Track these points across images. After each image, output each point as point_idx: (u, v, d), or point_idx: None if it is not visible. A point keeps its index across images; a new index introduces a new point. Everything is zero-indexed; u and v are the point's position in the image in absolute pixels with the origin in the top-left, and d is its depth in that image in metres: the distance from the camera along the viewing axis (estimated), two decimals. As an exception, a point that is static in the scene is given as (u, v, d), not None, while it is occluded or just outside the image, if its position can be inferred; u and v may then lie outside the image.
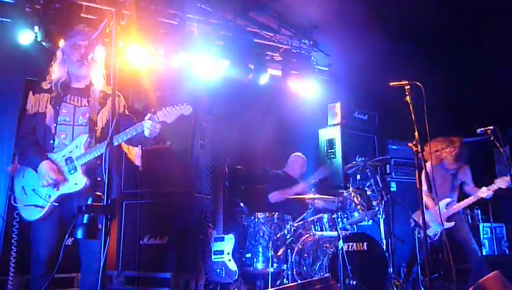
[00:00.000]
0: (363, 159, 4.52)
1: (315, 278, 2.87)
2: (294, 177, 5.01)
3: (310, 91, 5.67)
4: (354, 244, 3.72)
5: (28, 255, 2.53)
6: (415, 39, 5.04)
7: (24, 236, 2.65)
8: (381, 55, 4.93)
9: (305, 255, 3.86)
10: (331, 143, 5.65)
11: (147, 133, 2.53)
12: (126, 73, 4.40)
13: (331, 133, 5.69)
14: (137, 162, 3.58)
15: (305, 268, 3.83)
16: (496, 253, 5.39)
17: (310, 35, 5.58)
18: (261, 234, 4.10)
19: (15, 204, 2.54)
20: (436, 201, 4.17)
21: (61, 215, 2.52)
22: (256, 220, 4.17)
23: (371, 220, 4.69)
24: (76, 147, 2.53)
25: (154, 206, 4.30)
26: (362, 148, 5.71)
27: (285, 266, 3.85)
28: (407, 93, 3.00)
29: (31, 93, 2.63)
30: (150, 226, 4.28)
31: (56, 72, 2.67)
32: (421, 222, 4.22)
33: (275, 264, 3.88)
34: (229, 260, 4.08)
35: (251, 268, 4.05)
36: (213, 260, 4.14)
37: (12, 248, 2.82)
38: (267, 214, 4.18)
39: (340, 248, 3.46)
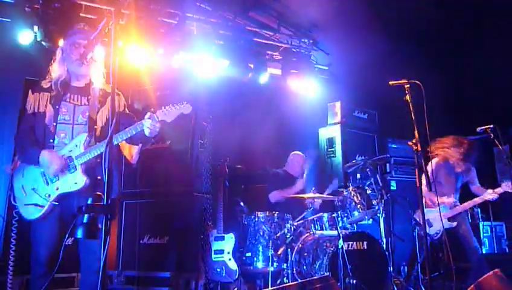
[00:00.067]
0: (363, 158, 4.53)
1: (315, 277, 2.87)
2: (295, 176, 5.01)
3: (309, 90, 5.67)
4: (354, 243, 3.73)
5: (28, 255, 2.53)
6: (415, 39, 5.04)
7: (24, 235, 2.65)
8: (381, 55, 4.93)
9: (305, 254, 3.86)
10: (331, 142, 5.65)
11: (146, 132, 2.54)
12: (126, 72, 4.40)
13: (331, 132, 5.69)
14: (133, 160, 3.57)
15: (305, 267, 3.83)
16: (496, 251, 5.39)
17: (310, 34, 5.58)
18: (261, 233, 4.10)
19: (14, 203, 2.54)
20: (435, 200, 4.16)
21: (61, 215, 2.52)
22: (256, 219, 4.17)
23: (371, 219, 4.69)
24: (76, 146, 2.53)
25: (154, 206, 4.30)
26: (362, 147, 5.71)
27: (285, 265, 3.85)
28: (406, 92, 3.00)
29: (30, 92, 2.63)
30: (150, 225, 4.28)
31: (56, 71, 2.67)
32: (427, 221, 4.25)
33: (275, 264, 3.88)
34: (229, 259, 4.08)
35: (251, 267, 4.06)
36: (213, 259, 4.14)
37: (12, 247, 2.82)
38: (267, 213, 4.18)
39: (340, 247, 3.46)
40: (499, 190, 4.18)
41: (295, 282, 3.41)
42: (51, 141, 2.54)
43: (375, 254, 3.79)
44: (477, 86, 5.27)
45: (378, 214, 4.11)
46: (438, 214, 4.18)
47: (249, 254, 4.09)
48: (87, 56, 2.54)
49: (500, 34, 4.80)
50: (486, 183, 4.50)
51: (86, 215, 1.80)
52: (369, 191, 4.18)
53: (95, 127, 2.60)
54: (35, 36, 4.04)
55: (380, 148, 5.89)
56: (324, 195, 4.24)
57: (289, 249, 3.87)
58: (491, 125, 4.01)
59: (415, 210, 4.51)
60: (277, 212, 4.20)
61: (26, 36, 4.02)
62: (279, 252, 3.91)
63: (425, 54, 5.10)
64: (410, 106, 2.97)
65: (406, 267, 5.06)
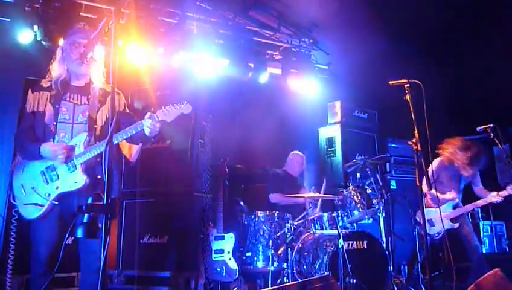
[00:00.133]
0: (363, 157, 4.52)
1: (315, 277, 2.87)
2: (294, 176, 5.01)
3: (309, 90, 5.67)
4: (354, 242, 3.73)
5: (28, 254, 2.53)
6: (415, 38, 5.03)
7: (23, 235, 2.65)
8: (381, 54, 4.93)
9: (305, 253, 3.86)
10: (331, 142, 5.65)
11: (146, 132, 2.54)
12: (126, 72, 4.40)
13: (331, 131, 5.69)
14: (132, 158, 3.57)
15: (305, 267, 3.83)
16: (496, 251, 5.39)
17: (310, 34, 5.58)
18: (261, 233, 4.10)
19: (14, 202, 2.54)
20: (436, 199, 4.16)
21: (61, 214, 2.52)
22: (256, 218, 4.17)
23: (371, 219, 4.69)
24: (76, 145, 2.53)
25: (154, 205, 4.30)
26: (362, 146, 5.71)
27: (285, 264, 3.85)
28: (406, 91, 3.00)
29: (30, 91, 2.63)
30: (150, 225, 4.28)
31: (56, 70, 2.67)
32: (429, 221, 4.25)
33: (275, 263, 3.88)
34: (229, 259, 4.08)
35: (251, 267, 4.06)
36: (213, 258, 4.14)
37: (11, 246, 2.82)
38: (267, 213, 4.18)
39: (340, 246, 3.46)
40: (504, 193, 4.17)
41: (295, 282, 3.41)
42: (51, 140, 2.54)
43: (375, 253, 3.79)
44: (477, 86, 5.27)
45: (378, 214, 4.11)
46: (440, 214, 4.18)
47: (249, 254, 4.09)
48: (87, 55, 2.54)
49: (500, 34, 4.80)
50: (486, 182, 4.50)
51: (86, 215, 1.80)
52: (369, 191, 4.18)
53: (95, 126, 2.61)
54: (35, 35, 4.04)
55: (380, 148, 5.89)
56: (323, 195, 4.23)
57: (289, 249, 3.87)
58: (491, 125, 4.01)
59: (415, 210, 4.51)
60: (277, 212, 4.20)
61: (26, 35, 4.02)
62: (279, 252, 3.91)
63: (425, 54, 5.10)
64: (410, 105, 2.97)
65: (406, 267, 5.06)
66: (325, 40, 5.66)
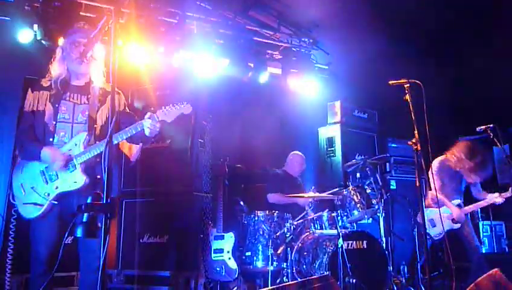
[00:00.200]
0: (362, 157, 4.52)
1: (315, 277, 2.87)
2: (294, 176, 5.01)
3: (309, 89, 5.66)
4: (354, 242, 3.73)
5: (27, 254, 2.53)
6: (415, 38, 5.03)
7: (22, 234, 2.65)
8: (381, 54, 4.92)
9: (305, 253, 3.86)
10: (330, 141, 5.65)
11: (147, 132, 2.54)
12: (126, 71, 4.40)
13: (331, 131, 5.69)
14: (133, 158, 3.57)
15: (304, 266, 3.83)
16: (496, 251, 5.40)
17: (310, 34, 5.57)
18: (261, 233, 4.10)
19: (13, 202, 2.54)
20: (437, 200, 4.16)
21: (61, 214, 2.52)
22: (256, 218, 4.17)
23: (370, 219, 4.69)
24: (76, 145, 2.53)
25: (154, 205, 4.30)
26: (362, 146, 5.71)
27: (285, 264, 3.85)
28: (406, 91, 3.01)
29: (30, 90, 2.63)
30: (150, 224, 4.28)
31: (56, 69, 2.67)
32: (430, 221, 4.24)
33: (274, 263, 3.88)
34: (229, 259, 4.08)
35: (251, 266, 4.06)
36: (213, 258, 4.14)
37: (10, 245, 2.82)
38: (267, 213, 4.18)
39: (339, 246, 3.46)
40: (506, 194, 4.17)
41: (295, 281, 3.41)
42: (51, 139, 2.54)
43: (374, 253, 3.79)
44: (477, 86, 5.27)
45: (377, 214, 4.12)
46: (442, 215, 4.17)
47: (248, 253, 4.09)
48: (87, 55, 2.54)
49: (500, 33, 4.80)
50: (486, 183, 4.50)
51: (85, 214, 1.79)
52: (368, 191, 4.18)
53: (95, 126, 2.60)
54: (35, 35, 4.03)
55: (379, 148, 5.89)
56: (323, 194, 4.23)
57: (289, 249, 3.87)
58: (491, 125, 4.01)
59: (415, 210, 4.50)
60: (277, 212, 4.20)
61: (26, 35, 4.01)
62: (278, 252, 3.91)
63: (425, 54, 5.10)
64: (410, 105, 2.97)
65: (405, 267, 5.06)
66: (325, 39, 5.66)
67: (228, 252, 4.10)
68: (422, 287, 4.14)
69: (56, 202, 2.49)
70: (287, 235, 3.93)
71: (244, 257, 4.12)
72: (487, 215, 5.46)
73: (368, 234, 3.87)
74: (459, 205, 4.24)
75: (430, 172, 4.19)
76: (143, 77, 4.63)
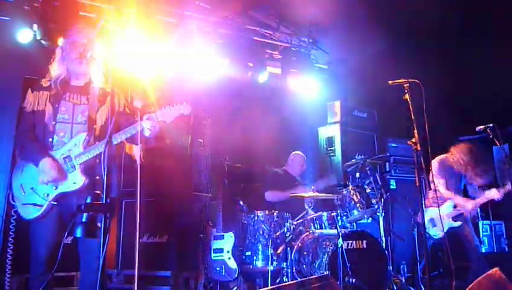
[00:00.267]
0: (362, 157, 4.53)
1: (314, 276, 2.87)
2: (294, 176, 5.01)
3: (309, 89, 5.66)
4: (354, 242, 3.73)
5: (27, 254, 2.53)
6: (415, 37, 5.03)
7: (22, 235, 2.65)
8: (381, 54, 4.93)
9: (305, 253, 3.87)
10: (330, 141, 5.65)
11: (146, 132, 2.54)
12: (125, 71, 4.40)
13: (331, 131, 5.69)
14: (137, 158, 3.58)
15: (304, 266, 3.83)
16: (495, 250, 5.40)
17: (310, 33, 5.57)
18: (261, 232, 4.09)
19: (13, 202, 2.54)
20: (439, 198, 4.17)
21: (60, 214, 2.52)
22: (255, 218, 4.17)
23: (370, 218, 4.69)
24: (75, 145, 2.52)
25: (153, 205, 4.29)
26: (362, 146, 5.72)
27: (284, 264, 3.85)
28: (406, 91, 3.01)
29: (30, 91, 2.63)
30: (150, 224, 4.28)
31: (55, 69, 2.67)
32: (430, 221, 4.25)
33: (274, 263, 3.88)
34: (229, 258, 4.08)
35: (251, 266, 4.05)
36: (213, 258, 4.14)
37: (10, 245, 2.82)
38: (267, 212, 4.17)
39: (339, 245, 3.46)
40: (504, 190, 4.17)
41: (294, 281, 3.41)
42: (50, 140, 2.54)
43: (374, 252, 3.79)
44: (476, 85, 5.27)
45: (377, 213, 4.12)
46: (442, 213, 4.18)
47: (248, 253, 4.09)
48: (86, 55, 2.54)
49: (500, 33, 4.80)
50: (488, 186, 4.50)
51: (85, 214, 1.80)
52: (368, 190, 4.18)
53: (94, 126, 2.60)
54: (35, 35, 4.03)
55: (379, 147, 5.89)
56: (322, 194, 4.23)
57: (289, 248, 3.87)
58: (491, 125, 4.01)
59: (415, 210, 4.51)
60: (276, 211, 4.19)
61: (25, 35, 4.01)
62: (278, 251, 3.91)
63: (425, 54, 5.10)
64: (410, 105, 2.97)
65: (405, 266, 5.06)
66: (325, 39, 5.66)
67: (228, 251, 4.10)
68: (422, 287, 4.15)
69: (55, 203, 2.48)
70: (287, 235, 3.93)
71: (244, 257, 4.11)
72: (487, 215, 5.46)
73: (367, 233, 3.87)
74: (455, 204, 4.26)
75: (430, 172, 4.20)
76: (142, 77, 4.62)
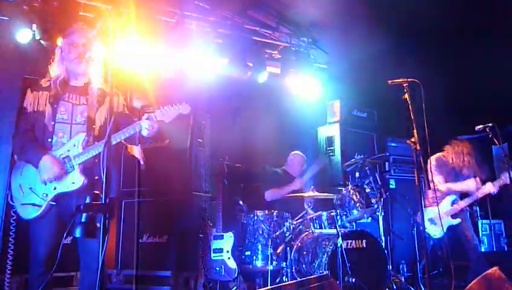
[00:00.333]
0: (362, 156, 4.53)
1: (314, 276, 2.87)
2: (294, 176, 5.01)
3: (308, 89, 5.66)
4: (353, 241, 3.73)
5: (27, 254, 2.53)
6: (414, 37, 5.03)
7: (22, 235, 2.65)
8: (381, 53, 4.92)
9: (304, 252, 3.87)
10: (330, 141, 5.65)
11: (145, 132, 2.53)
12: (124, 71, 4.40)
13: (330, 130, 5.69)
14: (140, 159, 3.59)
15: (304, 266, 3.84)
16: (495, 249, 5.41)
17: (309, 33, 5.57)
18: (260, 232, 4.10)
19: (12, 203, 2.54)
20: (436, 199, 4.18)
21: (59, 214, 2.52)
22: (255, 218, 4.17)
23: (370, 218, 4.70)
24: (74, 145, 2.52)
25: (153, 205, 4.30)
26: (361, 145, 5.72)
27: (284, 263, 3.85)
28: (405, 90, 3.01)
29: (29, 91, 2.62)
30: (149, 224, 4.28)
31: (55, 70, 2.67)
32: (430, 220, 4.26)
33: (274, 262, 3.88)
34: (229, 258, 4.08)
35: (250, 266, 4.06)
36: (212, 258, 4.14)
37: (10, 246, 2.82)
38: (266, 212, 4.18)
39: (339, 245, 3.46)
40: (499, 182, 4.19)
41: (294, 281, 3.41)
42: (49, 140, 2.54)
43: (374, 252, 3.80)
44: (476, 85, 5.27)
45: (377, 213, 4.12)
46: (441, 212, 4.19)
47: (248, 253, 4.09)
48: (85, 55, 2.54)
49: (499, 33, 4.80)
50: (485, 181, 4.51)
51: (84, 215, 1.79)
52: (368, 190, 4.19)
53: (94, 126, 2.60)
54: (34, 35, 4.02)
55: (379, 147, 5.90)
56: (322, 194, 4.23)
57: (288, 248, 3.88)
58: (490, 124, 4.02)
59: (415, 209, 4.51)
60: (276, 211, 4.20)
61: (24, 35, 4.00)
62: (278, 251, 3.91)
63: (425, 53, 5.10)
64: (409, 104, 2.97)
65: (405, 266, 5.07)
66: (324, 39, 5.65)
67: (227, 251, 4.10)
68: (422, 286, 4.15)
69: (54, 203, 2.48)
70: (287, 235, 3.93)
71: (243, 257, 4.12)
72: (486, 214, 5.47)
73: (367, 233, 3.88)
74: (453, 201, 4.27)
75: (429, 170, 4.21)
76: (141, 77, 4.62)
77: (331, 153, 5.60)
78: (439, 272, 4.80)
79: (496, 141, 3.96)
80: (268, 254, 3.90)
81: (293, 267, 3.81)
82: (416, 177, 2.90)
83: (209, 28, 4.86)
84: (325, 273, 3.47)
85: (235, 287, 4.13)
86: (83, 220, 1.80)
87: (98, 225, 1.80)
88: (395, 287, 3.88)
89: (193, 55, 4.81)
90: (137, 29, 4.35)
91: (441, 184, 4.25)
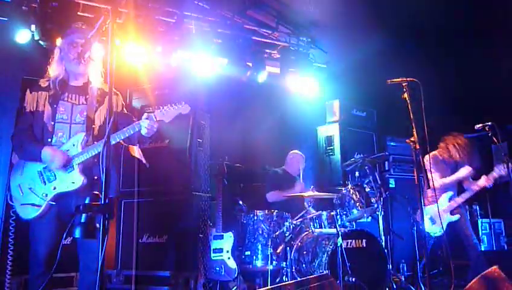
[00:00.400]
0: (361, 156, 4.53)
1: (314, 275, 2.87)
2: (293, 175, 5.01)
3: (308, 88, 5.66)
4: (353, 241, 3.73)
5: (27, 255, 2.53)
6: (414, 36, 5.04)
7: (21, 235, 2.65)
8: (380, 53, 4.93)
9: (304, 252, 3.87)
10: (329, 140, 5.65)
11: (144, 132, 2.54)
12: (124, 71, 4.39)
13: (330, 130, 5.69)
14: (142, 159, 3.59)
15: (304, 265, 3.84)
16: (495, 248, 5.41)
17: (308, 33, 5.57)
18: (260, 232, 4.10)
19: (11, 203, 2.54)
20: (435, 197, 4.18)
21: (59, 214, 2.52)
22: (255, 218, 4.17)
23: (369, 217, 4.69)
24: (74, 145, 2.53)
25: (153, 205, 4.29)
26: (361, 145, 5.72)
27: (284, 263, 3.85)
28: (404, 90, 3.01)
29: (28, 91, 2.63)
30: (149, 224, 4.28)
31: (54, 70, 2.67)
32: (430, 219, 4.26)
33: (274, 262, 3.88)
34: (228, 258, 4.08)
35: (250, 266, 4.06)
36: (212, 258, 4.14)
37: (10, 246, 2.82)
38: (266, 212, 4.18)
39: (339, 245, 3.46)
40: (493, 175, 4.21)
41: (294, 280, 3.41)
42: (49, 140, 2.54)
43: (374, 251, 3.80)
44: (475, 84, 5.28)
45: (377, 212, 4.12)
46: (440, 210, 4.20)
47: (248, 253, 4.09)
48: (84, 55, 2.54)
49: (499, 32, 4.80)
50: (481, 173, 4.52)
51: (83, 215, 1.79)
52: (367, 189, 4.19)
53: (93, 126, 2.60)
54: (33, 35, 4.02)
55: (378, 146, 5.90)
56: (322, 193, 4.23)
57: (288, 248, 3.87)
58: (489, 123, 4.02)
59: (414, 209, 4.51)
60: (276, 211, 4.20)
61: (23, 35, 4.00)
62: (278, 251, 3.91)
63: (424, 53, 5.10)
64: (408, 103, 2.98)
65: (405, 265, 5.07)
66: (324, 38, 5.65)
67: (227, 251, 4.10)
68: (422, 286, 4.15)
69: (54, 203, 2.48)
70: (286, 235, 3.93)
71: (243, 257, 4.12)
72: (486, 213, 5.47)
73: (367, 232, 3.88)
74: (451, 198, 4.29)
75: (427, 169, 4.21)
76: (141, 77, 4.62)
77: (331, 153, 5.60)
78: (439, 271, 4.80)
79: (495, 140, 3.96)
80: (268, 253, 3.90)
81: (293, 267, 3.81)
82: (416, 176, 2.90)
83: (208, 27, 4.86)
84: (325, 272, 3.47)
85: (235, 287, 4.13)
86: (82, 220, 1.80)
87: (97, 225, 1.80)
88: (395, 287, 3.88)
89: (193, 55, 4.81)
90: (136, 29, 4.35)
91: (436, 181, 4.27)
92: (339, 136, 5.56)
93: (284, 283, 2.95)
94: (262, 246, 4.04)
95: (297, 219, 4.18)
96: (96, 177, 2.51)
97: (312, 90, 5.70)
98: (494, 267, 2.63)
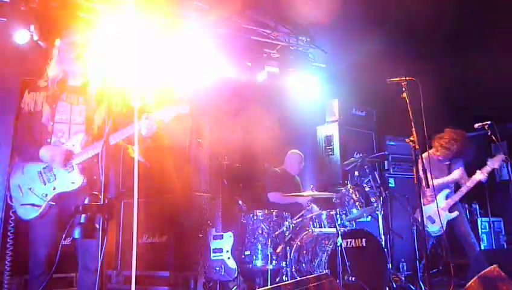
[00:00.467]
0: (361, 155, 4.53)
1: (314, 275, 2.87)
2: (293, 175, 5.01)
3: (307, 88, 5.67)
4: (353, 240, 3.73)
5: (26, 255, 2.52)
6: (413, 37, 5.03)
7: (21, 235, 2.64)
8: (379, 52, 4.92)
9: (304, 252, 3.87)
10: (329, 140, 5.65)
11: (143, 132, 2.53)
12: (122, 71, 4.39)
13: (329, 130, 5.70)
14: (141, 159, 3.58)
15: (304, 265, 3.84)
16: (494, 247, 5.41)
17: (307, 32, 5.57)
18: (260, 232, 4.09)
19: (11, 203, 2.53)
20: (434, 196, 4.19)
21: (59, 214, 2.51)
22: (255, 217, 4.16)
23: (369, 217, 4.70)
24: (73, 145, 2.52)
25: (153, 205, 4.29)
26: (360, 144, 5.72)
27: (284, 263, 3.85)
28: (403, 89, 3.01)
29: (27, 91, 2.62)
30: (149, 224, 4.27)
31: (52, 70, 2.66)
32: (429, 218, 4.27)
33: (274, 262, 3.88)
34: (228, 258, 4.08)
35: (250, 266, 4.05)
36: (212, 258, 4.14)
37: (9, 247, 2.81)
38: (266, 212, 4.17)
39: (338, 244, 3.46)
40: (487, 169, 4.23)
41: (294, 280, 3.41)
42: (48, 140, 2.54)
43: (373, 251, 3.80)
44: (474, 83, 5.28)
45: (376, 211, 4.12)
46: (437, 209, 4.21)
47: (247, 253, 4.09)
48: (83, 55, 2.53)
49: (498, 32, 4.80)
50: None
51: (82, 215, 1.79)
52: (367, 189, 4.19)
53: (92, 126, 2.60)
54: (32, 36, 4.02)
55: (378, 146, 5.90)
56: (322, 193, 4.23)
57: (288, 247, 3.87)
58: (489, 122, 4.03)
59: (414, 209, 4.52)
60: (275, 211, 4.19)
61: (22, 36, 4.00)
62: (278, 250, 3.91)
63: (423, 52, 5.10)
64: (408, 103, 2.98)
65: (405, 264, 5.07)
66: (323, 38, 5.65)
67: (227, 251, 4.10)
68: (422, 285, 4.15)
69: (53, 203, 2.48)
70: (286, 234, 3.93)
71: (243, 256, 4.11)
72: (486, 212, 5.47)
73: (366, 232, 3.88)
74: (448, 196, 4.30)
75: (421, 169, 4.23)
76: (140, 77, 4.61)
77: (330, 152, 5.60)
78: (439, 270, 4.80)
79: (494, 138, 3.97)
80: (268, 253, 3.90)
81: (293, 267, 3.81)
82: (415, 176, 2.90)
83: (208, 27, 4.86)
84: (324, 272, 3.47)
85: (235, 287, 4.13)
86: (81, 221, 1.80)
87: (96, 225, 1.80)
88: (395, 286, 3.88)
89: (192, 55, 4.80)
90: (135, 29, 4.34)
91: (431, 181, 4.30)
92: (339, 135, 5.57)
93: (283, 283, 2.96)
94: (262, 246, 4.04)
95: (297, 219, 4.18)
96: (95, 178, 2.50)
97: (311, 90, 5.70)
98: (494, 266, 2.63)
